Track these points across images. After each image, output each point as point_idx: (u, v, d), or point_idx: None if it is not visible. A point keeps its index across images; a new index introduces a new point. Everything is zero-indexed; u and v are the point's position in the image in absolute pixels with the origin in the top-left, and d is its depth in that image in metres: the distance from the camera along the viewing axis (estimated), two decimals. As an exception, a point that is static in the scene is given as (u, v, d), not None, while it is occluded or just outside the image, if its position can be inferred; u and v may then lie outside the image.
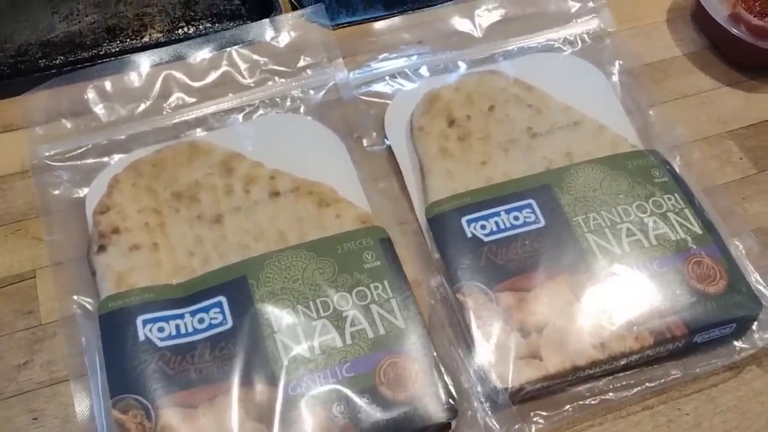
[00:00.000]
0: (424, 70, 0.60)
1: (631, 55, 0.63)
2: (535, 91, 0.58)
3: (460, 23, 0.64)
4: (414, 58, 0.61)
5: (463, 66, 0.61)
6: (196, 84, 0.57)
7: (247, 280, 0.44)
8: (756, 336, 0.46)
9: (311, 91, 0.58)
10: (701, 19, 0.64)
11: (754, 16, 0.61)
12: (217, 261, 0.46)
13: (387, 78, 0.60)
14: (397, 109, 0.57)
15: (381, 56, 0.61)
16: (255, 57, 0.58)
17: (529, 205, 0.50)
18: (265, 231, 0.47)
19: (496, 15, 0.64)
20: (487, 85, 0.58)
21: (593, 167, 0.52)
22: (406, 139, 0.56)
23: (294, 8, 0.64)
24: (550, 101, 0.57)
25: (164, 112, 0.55)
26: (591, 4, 0.64)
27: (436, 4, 0.66)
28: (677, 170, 0.54)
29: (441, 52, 0.62)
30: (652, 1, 0.67)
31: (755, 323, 0.47)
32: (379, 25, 0.64)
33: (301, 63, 0.59)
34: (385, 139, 0.56)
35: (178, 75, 0.57)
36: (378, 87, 0.59)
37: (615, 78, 0.60)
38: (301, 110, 0.56)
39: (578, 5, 0.64)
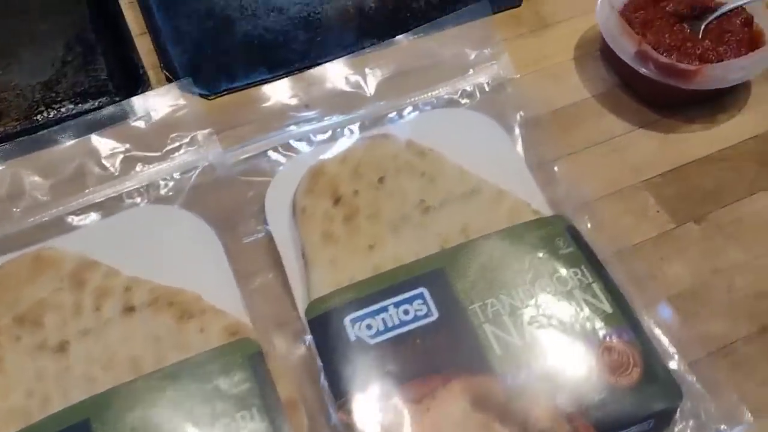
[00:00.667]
0: (310, 140, 0.55)
1: (536, 102, 0.58)
2: (428, 155, 0.52)
3: (350, 81, 0.58)
4: (300, 125, 0.56)
5: (353, 131, 0.55)
6: (50, 180, 0.51)
7: (90, 425, 0.39)
8: (677, 429, 0.42)
9: (181, 176, 0.52)
10: (609, 56, 0.60)
11: (663, 52, 0.56)
12: (59, 401, 0.40)
13: (270, 152, 0.54)
14: (279, 189, 0.51)
15: (263, 126, 0.56)
16: (117, 142, 0.52)
17: (421, 295, 0.45)
18: (115, 358, 0.41)
19: (388, 70, 0.59)
20: (376, 152, 0.53)
21: (491, 243, 0.47)
22: (289, 223, 0.50)
23: (169, 80, 0.59)
24: (445, 166, 0.52)
25: (13, 217, 0.49)
26: (487, 51, 0.59)
27: (323, 61, 0.60)
28: (587, 234, 0.49)
29: (329, 116, 0.56)
30: (557, 39, 0.63)
31: (677, 413, 0.42)
32: (262, 90, 0.59)
33: (171, 143, 0.53)
34: (266, 225, 0.50)
35: (29, 171, 0.51)
36: (259, 163, 0.53)
37: (517, 131, 0.55)
38: (171, 198, 0.51)
39: (475, 53, 0.59)
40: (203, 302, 0.44)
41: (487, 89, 0.58)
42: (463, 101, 0.57)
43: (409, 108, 0.57)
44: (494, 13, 0.64)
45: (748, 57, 0.55)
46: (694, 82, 0.54)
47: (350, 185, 0.51)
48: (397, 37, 0.61)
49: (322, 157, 0.53)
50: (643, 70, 0.55)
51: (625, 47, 0.56)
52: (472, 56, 0.59)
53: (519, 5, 0.65)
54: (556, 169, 0.53)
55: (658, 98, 0.57)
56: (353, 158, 0.52)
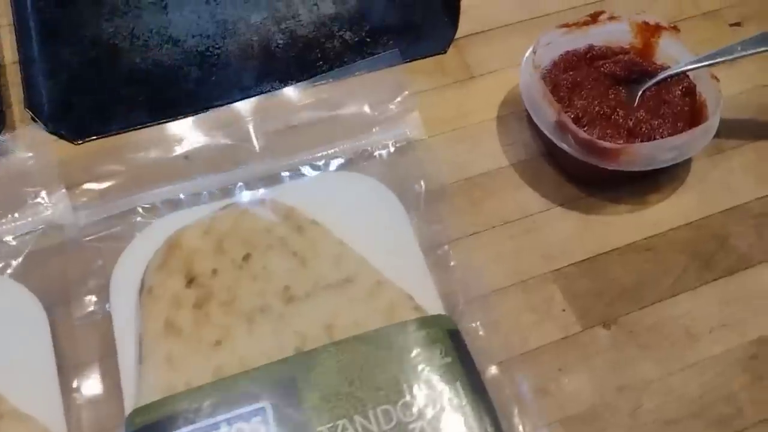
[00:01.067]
0: (179, 202, 0.48)
1: (445, 168, 0.51)
2: (307, 231, 0.46)
3: (239, 132, 0.52)
4: (174, 182, 0.49)
5: (231, 193, 0.49)
6: None
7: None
8: None
9: (19, 238, 0.45)
10: (532, 121, 0.53)
11: (588, 123, 0.50)
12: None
13: (131, 213, 0.48)
14: (131, 260, 0.44)
15: (132, 181, 0.49)
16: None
17: (262, 411, 0.38)
18: None
19: (284, 121, 0.52)
20: (248, 224, 0.46)
21: (356, 347, 0.40)
22: (135, 304, 0.44)
23: (34, 120, 0.52)
24: (323, 246, 0.45)
25: None
26: (396, 107, 0.52)
27: (214, 105, 0.54)
28: (476, 336, 0.43)
29: (207, 173, 0.49)
30: (482, 93, 0.56)
31: None
32: (138, 136, 0.52)
33: (14, 198, 0.46)
34: (108, 304, 0.44)
35: None
36: (116, 227, 0.47)
37: (416, 204, 0.48)
38: (3, 266, 0.44)
39: (382, 108, 0.52)
40: (8, 403, 0.38)
41: (390, 151, 0.51)
42: (363, 164, 0.50)
43: (302, 168, 0.50)
44: (418, 59, 0.57)
45: (682, 136, 0.48)
46: (617, 162, 0.47)
47: (210, 262, 0.44)
48: (301, 82, 0.55)
49: (186, 224, 0.46)
50: (562, 144, 0.48)
51: (544, 115, 0.49)
52: (379, 112, 0.52)
53: (444, 52, 0.58)
54: (452, 253, 0.46)
55: (581, 173, 0.50)
56: (219, 229, 0.45)
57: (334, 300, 0.42)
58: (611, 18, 0.54)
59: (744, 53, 0.49)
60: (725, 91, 0.50)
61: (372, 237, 0.46)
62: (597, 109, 0.50)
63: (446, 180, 0.50)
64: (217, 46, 0.57)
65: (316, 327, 0.41)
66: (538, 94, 0.49)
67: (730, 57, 0.49)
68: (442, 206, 0.49)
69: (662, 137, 0.49)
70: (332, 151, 0.51)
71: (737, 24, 0.61)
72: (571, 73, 0.52)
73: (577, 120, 0.49)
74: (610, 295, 0.46)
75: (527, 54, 0.51)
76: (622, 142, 0.48)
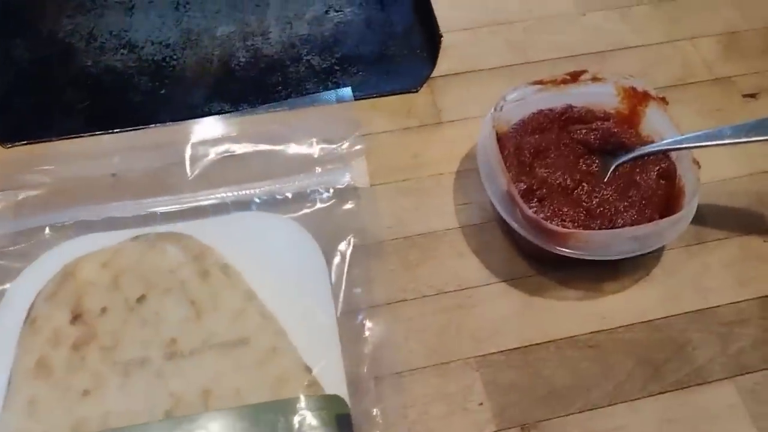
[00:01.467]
0: (92, 224, 0.45)
1: (386, 222, 0.47)
2: (213, 278, 0.42)
3: (173, 154, 0.48)
4: (93, 202, 0.46)
5: (149, 221, 0.45)
6: None
7: None
8: None
9: None
10: (492, 181, 0.48)
11: (539, 199, 0.44)
12: None
13: (43, 230, 0.45)
14: (26, 284, 0.42)
15: (54, 194, 0.46)
16: None
17: (108, 480, 0.35)
18: None
19: (224, 149, 0.49)
20: (153, 260, 0.42)
21: (230, 421, 0.36)
22: (20, 334, 0.41)
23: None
24: (225, 298, 0.41)
25: None
26: (341, 149, 0.48)
27: (154, 122, 0.50)
28: (378, 421, 0.38)
29: (131, 197, 0.46)
30: (445, 142, 0.51)
31: None
32: (70, 146, 0.49)
33: None
34: (-10, 332, 0.41)
35: None
36: (22, 243, 0.44)
37: (340, 261, 0.44)
38: None
39: (328, 148, 0.48)
40: None
41: (328, 197, 0.47)
42: (296, 207, 0.46)
43: (229, 203, 0.46)
44: (387, 95, 0.53)
45: (647, 226, 0.42)
46: (565, 246, 0.41)
47: (101, 299, 0.41)
48: (252, 108, 0.51)
49: (88, 251, 0.43)
50: (508, 218, 0.43)
51: (495, 182, 0.44)
52: (325, 152, 0.48)
53: (416, 90, 0.53)
54: (368, 323, 0.42)
55: (532, 248, 0.44)
56: (120, 262, 0.42)
57: (221, 362, 0.39)
58: (594, 79, 0.48)
59: (733, 140, 0.43)
60: (720, 173, 0.45)
61: (286, 291, 0.42)
62: (559, 180, 0.45)
63: (382, 236, 0.46)
64: (175, 56, 0.54)
65: (192, 391, 0.38)
66: (492, 157, 0.44)
67: (718, 142, 0.43)
68: (371, 266, 0.44)
69: (625, 224, 0.43)
70: (267, 188, 0.47)
71: (751, 95, 0.54)
72: (538, 135, 0.47)
73: (531, 192, 0.44)
74: (537, 394, 0.41)
75: (494, 109, 0.46)
76: (575, 225, 0.43)
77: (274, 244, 0.44)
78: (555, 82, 0.47)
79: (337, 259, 0.44)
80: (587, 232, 0.42)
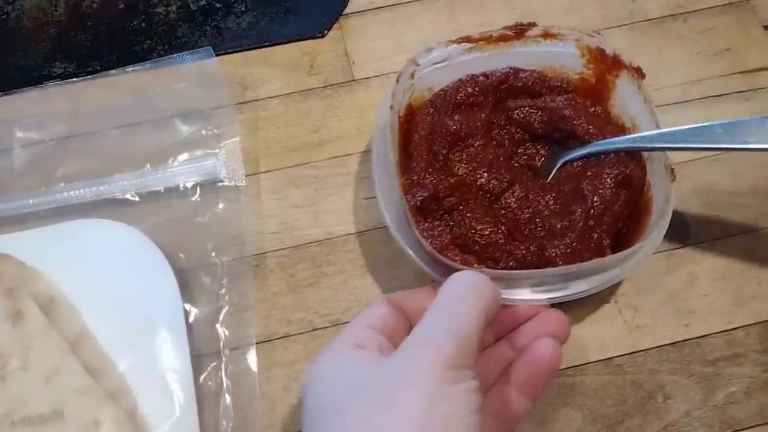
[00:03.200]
0: None
1: (270, 227, 0.36)
2: (27, 320, 0.32)
3: (-5, 139, 0.37)
4: None
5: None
6: None
7: None
8: None
9: None
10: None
11: (449, 209, 0.32)
12: None
13: None
14: None
15: None
16: None
17: None
18: None
19: (56, 130, 0.37)
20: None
21: None
22: None
23: None
24: (40, 350, 0.31)
25: None
26: (201, 128, 0.36)
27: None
28: None
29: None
30: (355, 108, 0.38)
31: None
32: None
33: None
34: None
35: None
36: None
37: (208, 283, 0.33)
38: None
39: (185, 128, 0.36)
40: None
41: (192, 195, 0.36)
42: (146, 210, 0.35)
43: (61, 205, 0.35)
44: (281, 42, 0.40)
45: (570, 268, 0.29)
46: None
47: None
48: (104, 72, 0.39)
49: None
50: (394, 234, 0.31)
51: (387, 183, 0.31)
52: (187, 133, 0.36)
53: (322, 35, 0.40)
54: (232, 371, 0.32)
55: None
56: None
57: (26, 442, 0.30)
58: (547, 35, 0.34)
59: (728, 146, 0.30)
60: (708, 179, 0.32)
61: (125, 329, 0.32)
62: (482, 181, 0.33)
63: (264, 247, 0.35)
64: (9, 1, 0.41)
65: (-19, 488, 0.29)
66: (382, 155, 0.32)
67: (703, 145, 0.30)
68: (246, 289, 0.34)
69: (557, 255, 0.30)
70: (114, 185, 0.36)
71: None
72: (461, 114, 0.34)
73: (436, 198, 0.32)
74: None
75: (397, 80, 0.33)
76: (487, 251, 0.31)
77: (116, 263, 0.34)
78: (490, 40, 0.34)
79: (199, 282, 0.34)
80: (488, 271, 0.29)
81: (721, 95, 0.39)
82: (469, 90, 0.34)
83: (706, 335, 0.34)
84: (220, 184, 0.35)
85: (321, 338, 0.34)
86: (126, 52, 0.40)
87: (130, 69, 0.38)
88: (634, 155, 0.32)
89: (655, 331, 0.34)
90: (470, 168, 0.33)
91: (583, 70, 0.34)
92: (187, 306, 0.33)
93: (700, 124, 0.30)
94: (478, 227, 0.31)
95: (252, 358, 0.33)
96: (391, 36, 0.40)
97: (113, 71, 0.38)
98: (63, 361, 0.31)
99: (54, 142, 0.37)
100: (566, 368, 0.33)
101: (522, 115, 0.34)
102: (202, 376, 0.32)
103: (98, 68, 0.39)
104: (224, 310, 0.33)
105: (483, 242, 0.31)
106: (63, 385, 0.31)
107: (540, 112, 0.34)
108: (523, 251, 0.31)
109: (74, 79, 0.39)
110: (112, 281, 0.33)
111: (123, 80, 0.38)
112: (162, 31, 0.40)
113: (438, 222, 0.32)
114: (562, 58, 0.34)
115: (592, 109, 0.33)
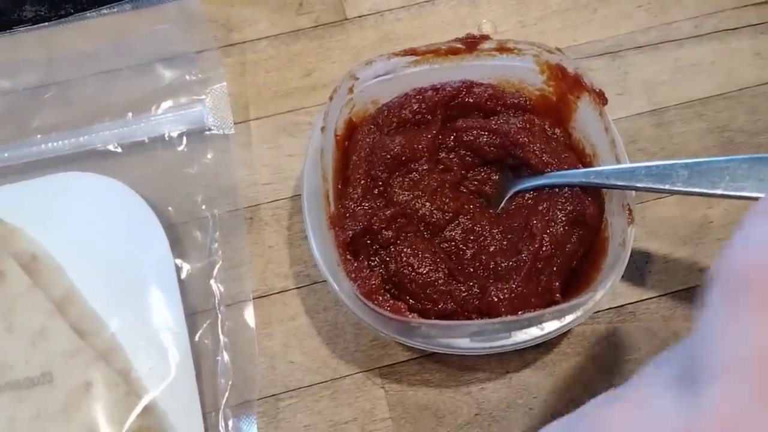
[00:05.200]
0: None
1: (262, 176, 0.34)
2: (10, 280, 0.30)
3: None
4: None
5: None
6: None
7: None
8: None
9: None
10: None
11: (374, 245, 0.29)
12: None
13: None
14: None
15: None
16: None
17: None
18: None
19: (30, 78, 0.34)
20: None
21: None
22: None
23: None
24: (25, 311, 0.29)
25: None
26: (186, 72, 0.33)
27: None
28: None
29: None
30: (347, 50, 0.36)
31: None
32: None
33: None
34: None
35: None
36: None
37: (200, 237, 0.32)
38: None
39: (175, 71, 0.33)
40: None
41: (178, 144, 0.34)
42: (130, 162, 0.33)
43: (47, 157, 0.33)
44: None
45: (506, 320, 0.27)
46: (389, 329, 0.28)
47: None
48: (79, 13, 0.36)
49: None
50: (323, 270, 0.28)
51: (317, 220, 0.29)
52: (171, 78, 0.34)
53: (310, -30, 0.38)
54: (230, 326, 0.31)
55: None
56: None
57: (16, 409, 0.28)
58: (502, 49, 0.31)
59: (693, 190, 0.26)
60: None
61: (114, 288, 0.31)
62: (423, 211, 0.30)
63: (257, 198, 0.33)
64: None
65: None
66: (311, 185, 0.29)
67: (667, 188, 0.26)
68: (240, 243, 0.32)
69: (500, 300, 0.28)
70: (95, 136, 0.33)
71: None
72: (405, 134, 0.30)
73: (370, 231, 0.29)
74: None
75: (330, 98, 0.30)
76: (424, 294, 0.28)
77: (101, 218, 0.32)
78: (438, 53, 0.30)
79: (190, 237, 0.32)
80: (420, 321, 0.27)
81: (735, 29, 0.37)
82: (415, 107, 0.30)
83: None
84: (207, 132, 0.33)
85: (320, 292, 0.32)
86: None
87: (105, 11, 0.36)
88: (597, 192, 0.29)
89: (668, 278, 0.32)
90: (412, 196, 0.30)
91: (544, 86, 0.31)
92: (179, 262, 0.32)
93: (663, 163, 0.27)
94: (416, 265, 0.28)
95: (249, 315, 0.31)
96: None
97: (88, 14, 0.36)
98: (49, 322, 0.29)
99: (28, 91, 0.34)
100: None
101: (472, 138, 0.30)
102: (198, 335, 0.31)
103: (71, 11, 0.36)
104: (218, 266, 0.32)
105: (420, 281, 0.28)
106: (50, 347, 0.29)
107: (492, 135, 0.30)
108: (464, 293, 0.28)
109: (46, 23, 0.36)
110: (97, 238, 0.32)
111: (99, 23, 0.35)
112: (139, -31, 0.38)
113: (372, 259, 0.29)
114: (521, 73, 0.31)
115: (551, 132, 0.30)
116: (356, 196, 0.29)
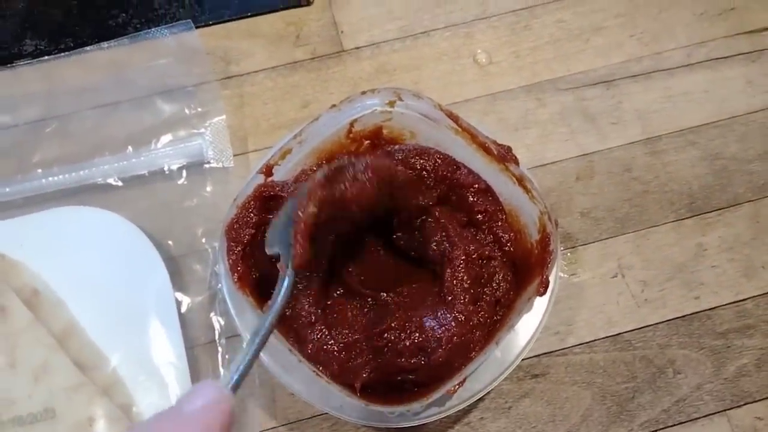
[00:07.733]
0: None
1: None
2: (11, 316, 0.30)
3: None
4: None
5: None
6: None
7: None
8: None
9: None
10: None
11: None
12: None
13: None
14: None
15: None
16: None
17: None
18: None
19: (30, 113, 0.35)
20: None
21: None
22: None
23: None
24: (27, 346, 0.30)
25: None
26: (185, 106, 0.34)
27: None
28: None
29: None
30: (344, 80, 0.36)
31: None
32: None
33: None
34: None
35: None
36: None
37: (200, 269, 0.32)
38: None
39: (175, 105, 0.34)
40: None
41: (179, 177, 0.34)
42: (130, 195, 0.33)
43: (47, 191, 0.33)
44: (264, 13, 0.38)
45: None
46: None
47: None
48: (79, 48, 0.36)
49: None
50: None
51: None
52: (171, 112, 0.34)
53: (308, 3, 0.38)
54: (221, 358, 0.31)
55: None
56: None
57: (17, 445, 0.29)
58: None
59: None
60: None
61: (115, 322, 0.31)
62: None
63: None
64: (-31, -28, 0.39)
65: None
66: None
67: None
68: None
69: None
70: (96, 170, 0.34)
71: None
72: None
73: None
74: (460, 449, 0.31)
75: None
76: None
77: (102, 252, 0.32)
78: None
79: (190, 270, 0.32)
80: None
81: (726, 57, 0.38)
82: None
83: (716, 307, 0.33)
84: (207, 165, 0.34)
85: (320, 323, 0.33)
86: (100, 26, 0.37)
87: (105, 45, 0.36)
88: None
89: (664, 305, 0.33)
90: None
91: (534, 243, 0.29)
92: (179, 295, 0.32)
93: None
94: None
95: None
96: (382, 2, 0.38)
97: (88, 48, 0.36)
98: (51, 356, 0.30)
99: (28, 125, 0.35)
100: (574, 346, 0.32)
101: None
102: (198, 368, 0.31)
103: (71, 45, 0.37)
104: (218, 299, 0.32)
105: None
106: (53, 382, 0.29)
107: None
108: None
109: (46, 57, 0.36)
110: (98, 272, 0.32)
111: (98, 57, 0.36)
112: (137, 2, 0.38)
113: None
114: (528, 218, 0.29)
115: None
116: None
